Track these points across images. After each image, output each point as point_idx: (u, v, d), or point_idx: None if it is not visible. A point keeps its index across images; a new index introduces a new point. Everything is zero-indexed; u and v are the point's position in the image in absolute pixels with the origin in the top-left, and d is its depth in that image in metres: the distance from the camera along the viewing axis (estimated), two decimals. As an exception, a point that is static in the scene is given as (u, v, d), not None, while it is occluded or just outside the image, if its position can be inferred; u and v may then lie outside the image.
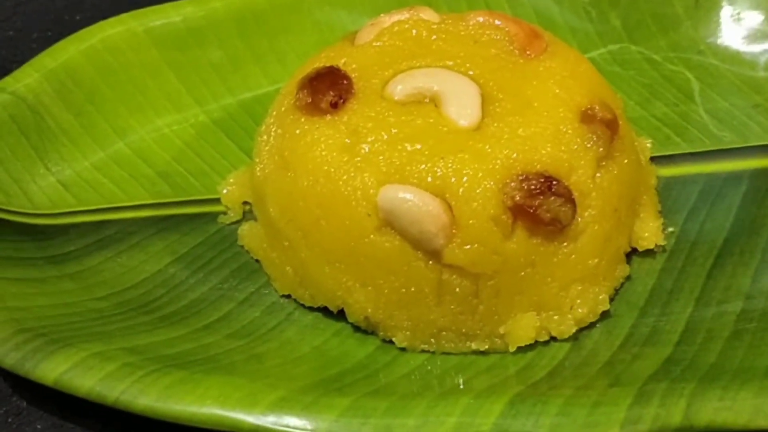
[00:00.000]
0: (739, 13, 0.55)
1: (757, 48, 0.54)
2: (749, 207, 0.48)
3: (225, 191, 0.49)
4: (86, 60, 0.53)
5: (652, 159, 0.50)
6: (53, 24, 0.61)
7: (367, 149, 0.41)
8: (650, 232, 0.45)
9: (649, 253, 0.45)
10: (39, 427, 0.41)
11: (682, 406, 0.35)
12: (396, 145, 0.41)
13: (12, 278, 0.43)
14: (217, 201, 0.49)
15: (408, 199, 0.39)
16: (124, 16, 0.55)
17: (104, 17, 0.60)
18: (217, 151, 0.52)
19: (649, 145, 0.50)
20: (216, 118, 0.54)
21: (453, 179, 0.39)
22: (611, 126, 0.43)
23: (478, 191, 0.39)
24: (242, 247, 0.47)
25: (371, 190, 0.40)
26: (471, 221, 0.39)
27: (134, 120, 0.53)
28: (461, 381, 0.40)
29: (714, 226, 0.47)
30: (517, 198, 0.39)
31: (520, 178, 0.40)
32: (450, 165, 0.40)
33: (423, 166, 0.40)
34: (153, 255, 0.47)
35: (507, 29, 0.46)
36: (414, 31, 0.46)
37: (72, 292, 0.44)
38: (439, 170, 0.39)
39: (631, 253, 0.45)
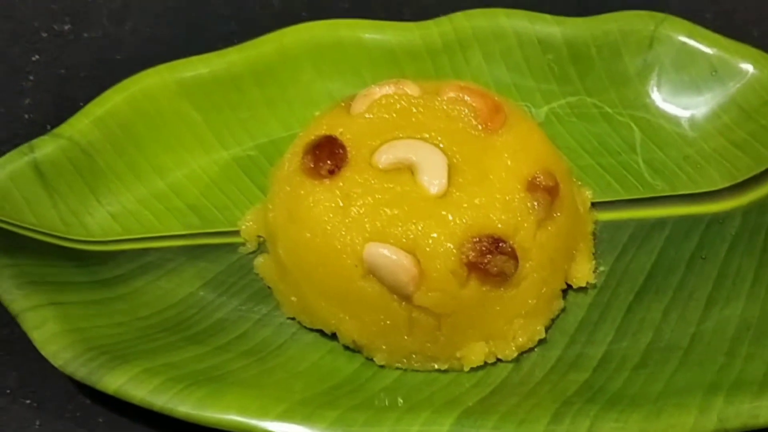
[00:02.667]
0: (679, 75, 0.64)
1: (691, 106, 0.64)
2: (669, 250, 0.58)
3: (244, 227, 0.60)
4: (128, 107, 0.63)
5: (593, 204, 0.61)
6: (97, 63, 0.72)
7: (355, 212, 0.52)
8: (583, 272, 0.56)
9: (581, 289, 0.57)
10: (101, 420, 0.53)
11: (587, 425, 0.47)
12: (378, 210, 0.51)
13: (75, 301, 0.55)
14: (238, 233, 0.60)
15: (386, 255, 0.50)
16: (159, 67, 0.64)
17: (139, 56, 0.71)
18: (237, 187, 0.63)
19: (589, 194, 0.60)
20: (237, 158, 0.64)
21: (422, 240, 0.50)
22: (552, 192, 0.54)
23: (441, 251, 0.50)
24: (257, 275, 0.58)
25: (358, 247, 0.51)
26: (435, 274, 0.50)
27: (169, 159, 0.63)
28: (425, 395, 0.51)
29: (638, 266, 0.58)
30: (471, 256, 0.50)
31: (474, 240, 0.50)
32: (420, 229, 0.51)
33: (399, 228, 0.51)
34: (186, 279, 0.58)
35: (474, 104, 0.56)
36: (399, 105, 0.56)
37: (122, 312, 0.56)
38: (411, 233, 0.50)
39: (568, 288, 0.57)
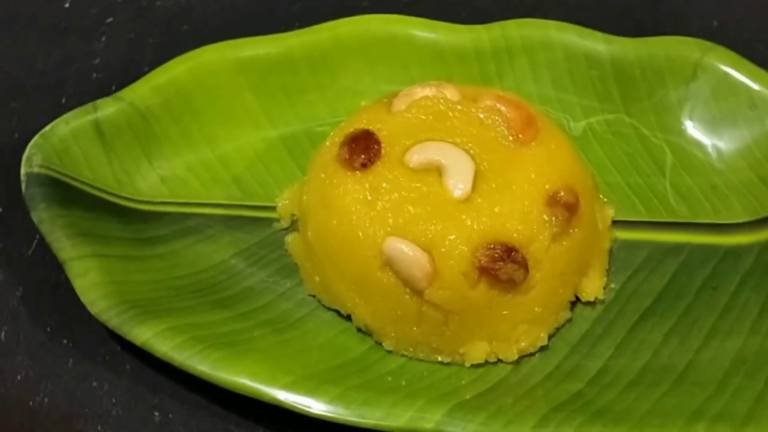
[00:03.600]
0: (718, 105, 0.66)
1: (725, 137, 0.65)
2: (681, 276, 0.60)
3: (280, 204, 0.64)
4: (188, 78, 0.67)
5: (615, 222, 0.63)
6: (166, 32, 0.76)
7: (381, 206, 0.55)
8: (593, 287, 0.58)
9: (590, 303, 0.59)
10: (128, 367, 0.58)
11: (568, 434, 0.50)
12: (403, 206, 0.55)
13: (117, 255, 0.59)
14: (274, 209, 0.64)
15: (404, 250, 0.53)
16: (221, 44, 0.68)
17: (205, 29, 0.75)
18: (280, 165, 0.67)
19: (612, 212, 0.62)
20: (283, 137, 0.68)
21: (439, 241, 0.53)
22: (570, 208, 0.56)
23: (455, 252, 0.53)
24: (287, 251, 0.62)
25: (379, 239, 0.54)
26: (447, 273, 0.53)
27: (220, 131, 0.67)
28: (426, 384, 0.55)
29: (648, 288, 0.60)
30: (483, 261, 0.53)
31: (488, 246, 0.53)
32: (439, 229, 0.54)
33: (419, 227, 0.54)
34: (221, 247, 0.63)
35: (508, 114, 0.59)
36: (437, 108, 0.59)
37: (159, 270, 0.60)
38: (430, 233, 0.54)
39: (577, 301, 0.59)
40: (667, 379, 0.54)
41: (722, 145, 0.65)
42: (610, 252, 0.61)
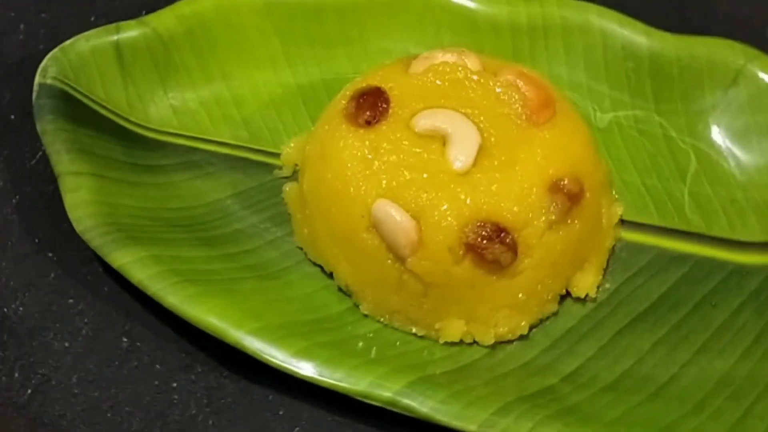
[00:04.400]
0: (755, 117, 0.62)
1: (756, 151, 0.62)
2: (681, 287, 0.57)
3: (284, 152, 0.63)
4: (215, 13, 0.66)
5: (623, 222, 0.60)
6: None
7: (377, 166, 0.53)
8: (585, 284, 0.56)
9: (580, 299, 0.57)
10: (106, 289, 0.57)
11: (527, 427, 0.48)
12: (399, 170, 0.53)
13: (113, 178, 0.59)
14: (278, 155, 0.63)
15: (391, 214, 0.52)
16: (252, -17, 0.67)
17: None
18: (292, 113, 0.65)
19: (620, 211, 0.60)
20: (301, 86, 0.66)
21: (429, 210, 0.52)
22: (573, 198, 0.54)
23: (443, 225, 0.52)
24: (283, 199, 0.61)
25: (369, 199, 0.53)
26: (432, 245, 0.52)
27: (238, 70, 0.66)
28: (395, 353, 0.54)
29: (644, 293, 0.57)
30: (471, 238, 0.51)
31: (479, 224, 0.52)
32: (430, 199, 0.52)
33: (412, 192, 0.52)
34: (220, 185, 0.62)
35: (526, 93, 0.57)
36: (454, 75, 0.57)
37: (153, 199, 0.60)
38: (421, 200, 0.52)
39: (567, 295, 0.57)
40: (645, 389, 0.52)
41: (750, 159, 0.62)
42: (612, 251, 0.59)
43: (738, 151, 0.63)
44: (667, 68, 0.64)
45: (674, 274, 0.58)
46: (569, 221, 0.54)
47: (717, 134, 0.63)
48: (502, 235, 0.52)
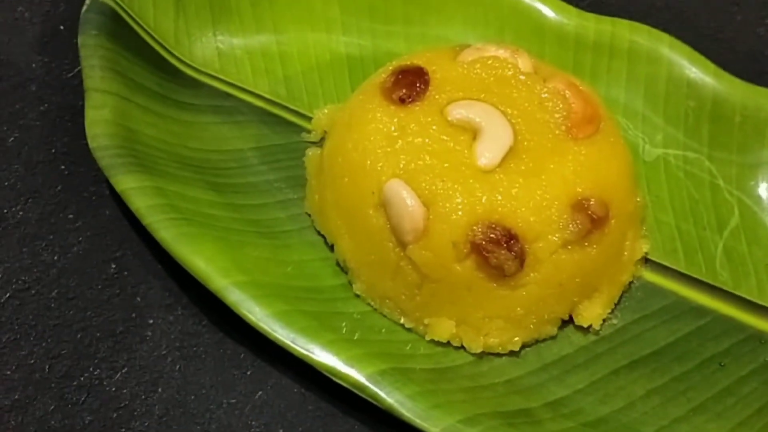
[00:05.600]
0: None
1: (804, 218, 0.59)
2: (692, 340, 0.54)
3: (316, 117, 0.61)
4: (280, -37, 0.65)
5: (647, 260, 0.57)
6: None
7: (400, 145, 0.51)
8: (591, 314, 0.53)
9: (582, 328, 0.54)
10: (107, 213, 0.56)
11: (492, 444, 0.46)
12: (421, 153, 0.51)
13: (140, 104, 0.58)
14: (310, 119, 0.62)
15: (402, 196, 0.50)
16: (326, -58, 0.66)
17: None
18: (335, 81, 0.64)
19: (646, 248, 0.57)
20: (350, 55, 0.65)
21: (441, 200, 0.50)
22: (595, 222, 0.51)
23: (452, 218, 0.49)
24: (303, 162, 0.59)
25: (384, 177, 0.51)
26: (437, 236, 0.49)
27: (292, 27, 0.65)
28: (378, 338, 0.52)
29: (651, 339, 0.54)
30: (478, 238, 0.49)
31: (490, 225, 0.49)
32: (445, 188, 0.50)
33: (427, 178, 0.50)
34: (244, 136, 0.60)
35: (572, 104, 0.54)
36: (502, 71, 0.55)
37: (174, 134, 0.58)
38: (436, 188, 0.50)
39: (570, 321, 0.54)
40: (628, 436, 0.49)
41: (796, 224, 0.59)
42: (628, 287, 0.56)
43: (785, 214, 0.59)
44: (729, 114, 0.60)
45: (688, 326, 0.55)
46: (587, 245, 0.51)
47: (767, 192, 0.59)
48: (512, 242, 0.49)
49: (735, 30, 0.71)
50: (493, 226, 0.49)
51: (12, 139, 0.59)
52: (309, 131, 0.61)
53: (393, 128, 0.52)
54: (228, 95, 0.63)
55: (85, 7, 0.60)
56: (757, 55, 0.69)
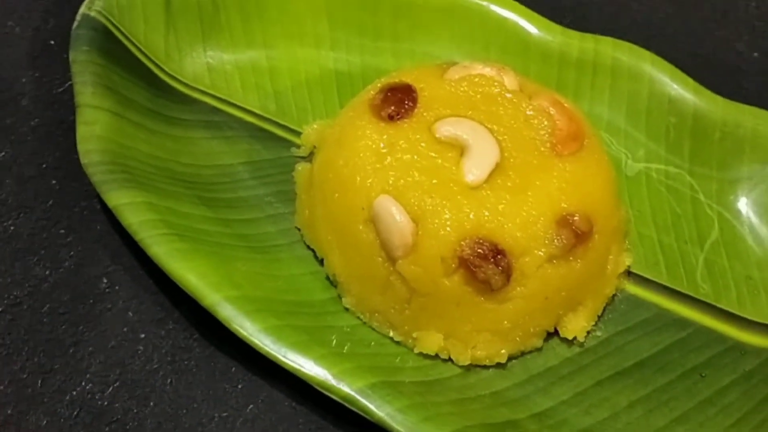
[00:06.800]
0: (789, 197, 0.60)
1: (782, 232, 0.60)
2: (674, 352, 0.55)
3: (305, 132, 0.62)
4: (270, -21, 0.66)
5: (630, 273, 0.58)
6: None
7: (389, 162, 0.52)
8: (575, 327, 0.54)
9: (567, 340, 0.55)
10: (98, 228, 0.57)
11: (480, 456, 0.47)
12: (410, 170, 0.52)
13: (132, 120, 0.59)
14: (299, 134, 0.62)
15: (392, 212, 0.51)
16: (315, -41, 0.67)
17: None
18: (324, 97, 0.65)
19: (629, 262, 0.58)
20: (339, 71, 0.66)
21: (430, 216, 0.50)
22: (579, 237, 0.52)
23: (441, 233, 0.50)
24: (293, 177, 0.60)
25: (373, 193, 0.52)
26: (425, 251, 0.50)
27: (282, 41, 0.66)
28: (367, 352, 0.52)
29: (634, 350, 0.55)
30: (465, 253, 0.50)
31: (477, 240, 0.50)
32: (434, 205, 0.51)
33: (416, 194, 0.51)
34: (235, 151, 0.61)
35: (557, 122, 0.55)
36: (488, 89, 0.56)
37: (166, 150, 0.59)
38: (424, 204, 0.51)
39: (555, 334, 0.55)
40: (612, 446, 0.50)
41: (774, 238, 0.60)
42: (612, 300, 0.57)
43: (764, 229, 0.60)
44: (710, 130, 0.62)
45: (670, 337, 0.56)
46: (571, 259, 0.52)
47: (746, 207, 0.61)
48: (498, 257, 0.50)
49: (714, 46, 0.72)
50: (481, 241, 0.50)
51: (3, 153, 0.60)
52: (298, 146, 0.62)
53: (382, 145, 0.53)
54: (218, 110, 0.63)
55: (75, 23, 0.61)
56: (735, 71, 0.71)
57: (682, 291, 0.58)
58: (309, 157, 0.61)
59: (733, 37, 0.73)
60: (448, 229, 0.50)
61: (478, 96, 0.56)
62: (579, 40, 0.65)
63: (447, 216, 0.51)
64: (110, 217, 0.56)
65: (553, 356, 0.55)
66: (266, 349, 0.49)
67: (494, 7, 0.66)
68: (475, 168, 0.52)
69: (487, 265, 0.50)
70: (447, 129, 0.54)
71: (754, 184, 0.61)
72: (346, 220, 0.53)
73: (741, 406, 0.53)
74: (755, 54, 0.72)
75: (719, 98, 0.62)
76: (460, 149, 0.53)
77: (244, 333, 0.49)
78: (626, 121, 0.64)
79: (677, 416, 0.53)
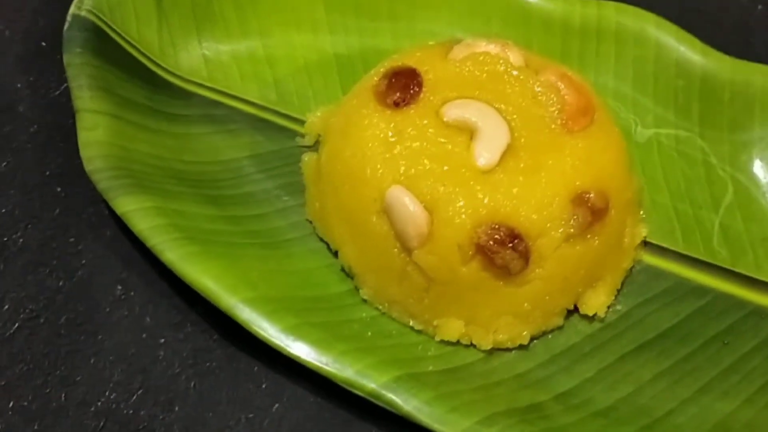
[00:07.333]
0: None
1: (797, 192, 0.59)
2: (695, 320, 0.55)
3: (309, 120, 0.61)
4: (262, -36, 0.65)
5: (646, 243, 0.58)
6: None
7: (398, 150, 0.51)
8: (596, 303, 0.54)
9: (587, 317, 0.55)
10: (108, 233, 0.56)
11: (510, 442, 0.47)
12: (420, 158, 0.51)
13: (132, 121, 0.57)
14: (303, 123, 0.62)
15: (405, 202, 0.50)
16: (307, -58, 0.65)
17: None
18: (325, 81, 0.64)
19: (645, 232, 0.57)
20: (338, 54, 0.65)
21: (444, 204, 0.50)
22: (596, 214, 0.51)
23: (456, 221, 0.50)
24: (300, 168, 0.59)
25: (384, 183, 0.51)
26: (441, 240, 0.50)
27: (278, 29, 0.65)
28: (389, 343, 0.52)
29: (655, 321, 0.55)
30: (482, 239, 0.49)
31: (493, 226, 0.49)
32: (447, 192, 0.50)
33: (429, 182, 0.50)
34: (239, 144, 0.60)
35: (566, 96, 0.54)
36: (494, 67, 0.55)
37: (168, 149, 0.58)
38: (438, 192, 0.50)
39: (575, 311, 0.55)
40: (639, 421, 0.50)
41: (791, 199, 0.59)
42: (629, 272, 0.57)
43: (779, 190, 0.60)
44: (718, 92, 0.61)
45: (690, 306, 0.56)
46: (589, 237, 0.52)
47: (759, 168, 0.60)
48: (516, 241, 0.50)
49: (718, 3, 0.71)
50: (497, 226, 0.50)
51: (5, 164, 0.59)
52: (302, 135, 0.61)
53: (390, 133, 0.52)
54: (218, 103, 0.62)
55: (66, 25, 0.59)
56: (742, 27, 0.70)
57: (699, 258, 0.58)
58: (314, 146, 0.60)
59: (737, -10, 0.71)
60: (463, 216, 0.50)
61: (484, 75, 0.55)
62: (581, 6, 0.64)
63: (461, 203, 0.50)
64: (119, 221, 0.55)
65: (575, 334, 0.54)
66: (289, 350, 0.49)
67: (492, -23, 0.65)
68: (486, 151, 0.51)
69: (504, 251, 0.49)
70: (455, 112, 0.53)
71: (766, 144, 0.60)
72: (359, 213, 0.52)
73: (764, 371, 0.53)
74: (759, 7, 0.71)
75: (727, 58, 0.61)
76: (469, 132, 0.52)
77: (264, 335, 0.49)
78: (633, 87, 0.63)
79: (701, 386, 0.52)
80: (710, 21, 0.69)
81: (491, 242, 0.49)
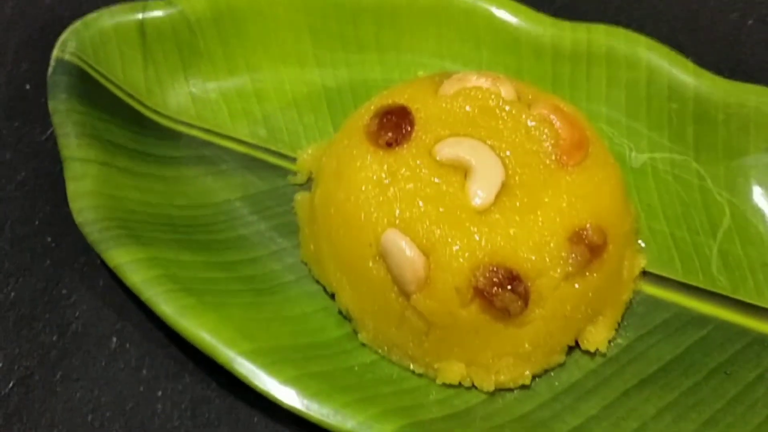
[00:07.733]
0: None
1: (795, 215, 0.59)
2: (697, 351, 0.54)
3: (301, 158, 0.60)
4: (246, 1, 0.63)
5: (644, 273, 0.57)
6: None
7: (392, 193, 0.51)
8: (597, 338, 0.53)
9: (589, 353, 0.54)
10: (101, 283, 0.55)
11: (516, 489, 0.46)
12: (415, 200, 0.50)
13: (120, 167, 0.57)
14: (294, 160, 0.61)
15: (401, 247, 0.49)
16: (292, -25, 0.64)
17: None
18: (315, 116, 0.63)
19: (643, 263, 0.57)
20: (327, 87, 0.64)
21: (441, 247, 0.49)
22: (594, 250, 0.51)
23: (454, 265, 0.49)
24: (293, 208, 0.59)
25: (379, 228, 0.50)
26: (439, 284, 0.49)
27: (265, 64, 0.64)
28: (389, 390, 0.51)
29: (657, 354, 0.54)
30: (481, 282, 0.49)
31: (491, 268, 0.49)
32: (443, 235, 0.49)
33: (425, 226, 0.50)
34: (230, 185, 0.59)
35: (560, 131, 0.53)
36: (486, 102, 0.54)
37: (159, 194, 0.57)
38: (434, 236, 0.49)
39: (576, 346, 0.54)
40: (645, 459, 0.50)
41: (789, 222, 0.59)
42: (629, 304, 0.56)
43: (776, 213, 0.59)
44: (712, 114, 0.60)
45: (691, 337, 0.55)
46: (587, 274, 0.51)
47: (757, 192, 0.59)
48: (515, 283, 0.49)
49: (709, 18, 0.70)
50: (495, 268, 0.49)
51: (-7, 214, 0.58)
52: (294, 173, 0.60)
53: (383, 175, 0.51)
54: (208, 143, 0.61)
55: (51, 69, 0.58)
56: (733, 42, 0.69)
57: (699, 286, 0.57)
58: (307, 184, 0.60)
59: (727, 7, 0.71)
60: (460, 260, 0.49)
61: (476, 111, 0.54)
62: (571, 31, 0.63)
63: (458, 246, 0.49)
64: (112, 271, 0.54)
65: (577, 370, 0.54)
66: (289, 403, 0.48)
67: (480, 3, 0.64)
68: (481, 190, 0.51)
69: (503, 293, 0.49)
70: (447, 151, 0.52)
71: (763, 166, 0.60)
72: (354, 258, 0.51)
73: (768, 401, 0.53)
74: (750, 21, 0.70)
75: (719, 79, 0.61)
76: (463, 171, 0.51)
77: (264, 388, 0.48)
78: (626, 112, 0.62)
79: (706, 419, 0.52)
80: (701, 38, 0.68)
81: (490, 285, 0.49)
